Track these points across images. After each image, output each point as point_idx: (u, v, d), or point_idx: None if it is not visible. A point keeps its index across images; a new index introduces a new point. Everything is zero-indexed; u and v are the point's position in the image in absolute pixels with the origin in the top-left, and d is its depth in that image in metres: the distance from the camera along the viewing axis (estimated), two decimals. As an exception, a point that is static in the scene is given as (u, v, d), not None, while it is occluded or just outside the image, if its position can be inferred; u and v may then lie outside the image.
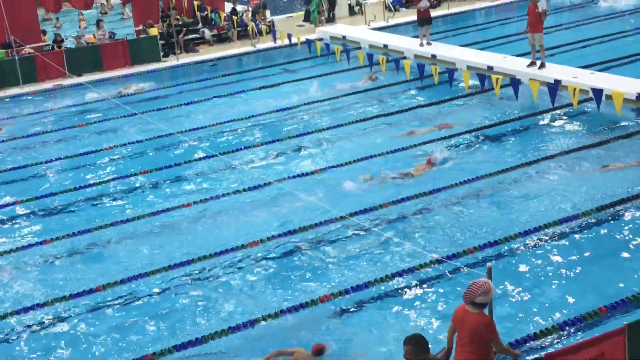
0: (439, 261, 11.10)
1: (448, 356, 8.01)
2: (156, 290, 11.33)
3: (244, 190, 14.63)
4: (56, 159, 17.53)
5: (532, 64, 20.30)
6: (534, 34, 19.82)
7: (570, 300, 10.13)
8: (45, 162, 17.36)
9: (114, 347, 10.03)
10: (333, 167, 15.53)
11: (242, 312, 10.53)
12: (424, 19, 23.88)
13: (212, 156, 16.28)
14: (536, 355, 8.56)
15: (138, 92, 22.86)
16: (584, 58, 21.67)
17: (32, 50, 24.80)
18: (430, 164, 15.01)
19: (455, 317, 7.81)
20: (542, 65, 20.02)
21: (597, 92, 16.79)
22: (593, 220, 12.30)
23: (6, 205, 14.99)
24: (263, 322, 10.19)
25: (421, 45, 23.91)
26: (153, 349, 9.82)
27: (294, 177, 15.10)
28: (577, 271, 10.82)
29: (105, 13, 36.28)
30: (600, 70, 20.10)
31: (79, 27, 32.95)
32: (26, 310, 11.01)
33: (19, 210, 14.76)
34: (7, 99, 23.18)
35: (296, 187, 14.38)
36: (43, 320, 10.78)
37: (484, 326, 7.59)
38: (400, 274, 11.05)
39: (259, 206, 13.98)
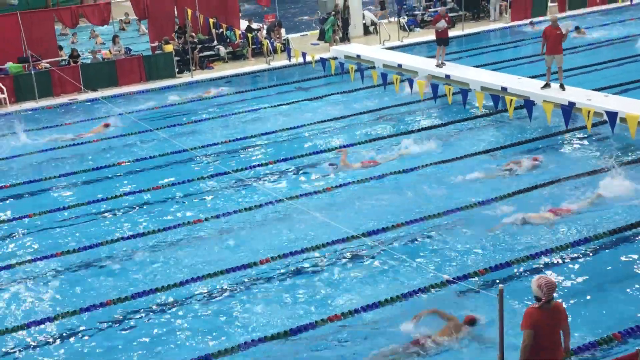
0: (449, 281, 11.04)
1: None
2: (167, 305, 11.33)
3: (256, 207, 14.64)
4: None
5: (547, 85, 20.26)
6: (555, 56, 19.80)
7: (584, 325, 10.05)
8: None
9: (123, 363, 10.05)
10: (345, 184, 15.52)
11: (252, 329, 10.51)
12: (442, 39, 23.94)
13: (225, 173, 16.30)
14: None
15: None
16: (599, 81, 21.62)
17: (48, 65, 25.01)
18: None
19: None
20: (562, 87, 20.04)
21: (612, 115, 16.74)
22: (607, 244, 12.23)
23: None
24: (271, 341, 10.16)
25: (438, 65, 23.94)
26: (162, 365, 9.83)
27: (306, 194, 15.10)
28: (591, 295, 10.75)
29: (124, 29, 36.55)
30: (615, 93, 20.06)
31: (96, 42, 33.21)
32: (35, 324, 11.05)
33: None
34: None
35: (308, 205, 14.38)
36: (53, 333, 10.81)
37: None
38: (410, 294, 11.01)
39: (270, 223, 13.99)
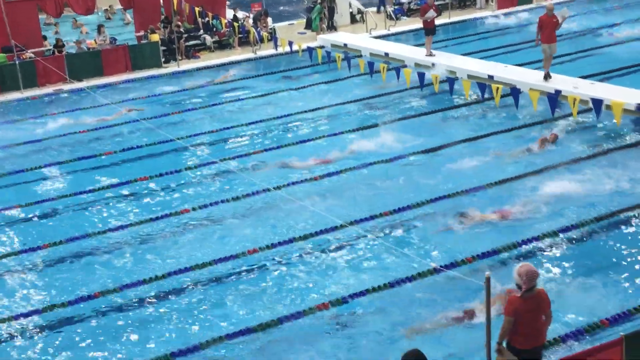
0: (436, 270, 11.07)
1: None
2: (155, 296, 11.32)
3: (243, 196, 14.62)
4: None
5: (548, 76, 19.91)
6: (551, 45, 19.48)
7: (572, 311, 10.11)
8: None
9: (107, 353, 10.03)
10: (332, 173, 15.52)
11: (240, 319, 10.53)
12: (430, 29, 23.79)
13: (213, 162, 16.27)
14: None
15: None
16: (585, 68, 21.69)
17: (33, 55, 24.83)
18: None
19: None
20: (549, 76, 19.95)
21: (597, 103, 16.80)
22: (593, 231, 12.31)
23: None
24: (260, 331, 10.18)
25: (428, 55, 23.80)
26: (149, 355, 9.81)
27: (293, 183, 15.10)
28: (579, 282, 10.80)
29: (109, 19, 36.31)
30: (600, 81, 20.14)
31: (81, 32, 32.98)
32: (23, 315, 11.03)
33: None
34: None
35: (295, 194, 14.39)
36: (41, 325, 10.78)
37: None
38: (397, 282, 11.04)
39: (258, 213, 13.99)
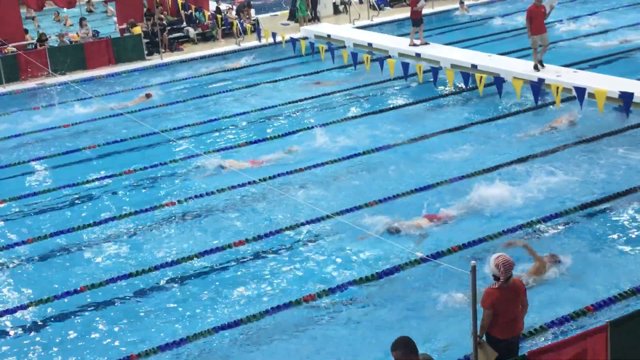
0: (423, 259, 11.11)
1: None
2: (142, 290, 11.30)
3: (229, 188, 14.61)
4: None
5: (541, 65, 19.76)
6: (542, 35, 19.35)
7: (557, 298, 10.17)
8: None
9: (96, 347, 10.02)
10: (317, 165, 15.52)
11: (230, 311, 10.54)
12: (418, 20, 23.68)
13: (198, 155, 16.22)
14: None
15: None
16: (569, 56, 21.79)
17: (14, 49, 24.64)
18: None
19: None
20: (542, 64, 19.78)
21: (580, 91, 16.88)
22: (578, 218, 12.39)
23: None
24: (251, 322, 10.20)
25: (411, 45, 23.73)
26: (137, 349, 9.81)
27: (278, 175, 15.08)
28: (563, 269, 10.85)
29: (91, 11, 36.08)
30: (584, 69, 20.23)
31: (65, 24, 32.76)
32: (8, 312, 10.99)
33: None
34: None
35: (280, 186, 14.41)
36: (27, 321, 10.76)
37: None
38: (385, 272, 11.08)
39: (244, 205, 13.98)
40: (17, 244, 13.08)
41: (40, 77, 24.21)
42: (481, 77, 18.61)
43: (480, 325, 8.01)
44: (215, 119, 19.36)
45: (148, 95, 21.57)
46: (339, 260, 11.72)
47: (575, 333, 8.63)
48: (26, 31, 27.22)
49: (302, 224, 12.91)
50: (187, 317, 10.51)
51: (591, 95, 17.02)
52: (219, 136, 18.19)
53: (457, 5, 30.40)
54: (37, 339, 10.34)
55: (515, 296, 8.07)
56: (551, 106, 17.82)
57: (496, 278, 7.98)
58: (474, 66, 20.94)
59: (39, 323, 10.67)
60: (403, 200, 13.59)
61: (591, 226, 12.13)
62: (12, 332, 10.51)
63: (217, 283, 11.34)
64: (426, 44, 23.74)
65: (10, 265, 12.43)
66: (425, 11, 28.77)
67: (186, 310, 10.70)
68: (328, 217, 12.73)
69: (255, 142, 17.41)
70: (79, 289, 11.41)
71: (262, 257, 11.96)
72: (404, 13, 30.38)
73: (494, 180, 13.94)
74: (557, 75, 19.07)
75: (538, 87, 17.73)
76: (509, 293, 8.01)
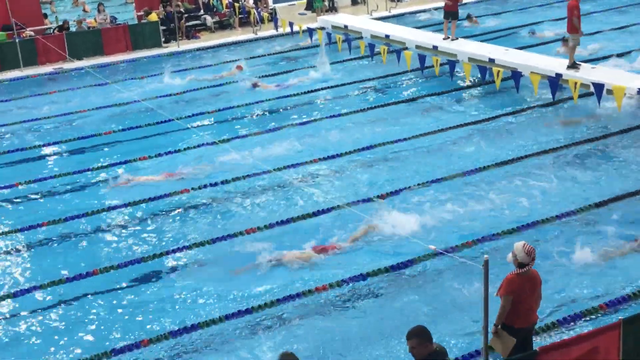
0: (436, 253, 11.07)
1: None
2: (153, 274, 11.36)
3: (243, 177, 14.60)
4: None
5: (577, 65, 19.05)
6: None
7: (570, 296, 10.15)
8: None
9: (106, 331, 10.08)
10: (335, 156, 15.49)
11: (240, 299, 10.56)
12: (450, 13, 22.65)
13: (213, 143, 16.23)
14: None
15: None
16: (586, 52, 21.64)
17: (33, 33, 24.73)
18: None
19: None
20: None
21: (598, 87, 16.76)
22: (591, 216, 12.31)
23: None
24: (262, 310, 10.22)
25: (445, 39, 22.99)
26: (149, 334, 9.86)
27: (292, 166, 15.06)
28: (577, 267, 10.81)
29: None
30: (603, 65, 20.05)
31: (83, 10, 32.86)
32: (23, 292, 11.07)
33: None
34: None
35: (294, 176, 14.40)
36: (40, 302, 10.83)
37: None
38: (397, 266, 11.06)
39: (258, 194, 13.98)
40: (31, 226, 13.14)
41: (58, 62, 24.29)
42: (498, 71, 18.50)
43: (499, 312, 8.06)
44: (228, 107, 19.38)
45: (239, 68, 22.61)
46: (350, 251, 11.68)
47: (587, 330, 8.61)
48: (45, 16, 27.31)
49: (313, 214, 12.90)
50: (196, 306, 10.52)
51: (609, 91, 16.88)
52: (229, 125, 18.19)
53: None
54: (47, 319, 10.42)
55: (533, 285, 8.11)
56: (569, 102, 17.71)
57: (521, 265, 7.99)
58: (492, 60, 20.81)
59: (50, 304, 10.74)
60: (413, 192, 13.54)
61: (606, 223, 12.04)
62: (25, 313, 10.58)
63: (228, 270, 11.35)
64: (456, 39, 22.98)
65: (26, 248, 12.50)
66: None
67: (197, 298, 10.71)
68: (339, 207, 12.71)
69: (267, 131, 17.39)
70: (91, 271, 11.49)
71: (276, 246, 11.92)
72: (422, 5, 30.34)
73: (510, 174, 13.90)
74: (574, 70, 18.91)
75: (556, 82, 17.61)
76: (528, 281, 8.05)
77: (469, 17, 27.54)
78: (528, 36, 24.34)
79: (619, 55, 20.87)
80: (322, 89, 20.43)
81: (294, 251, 11.61)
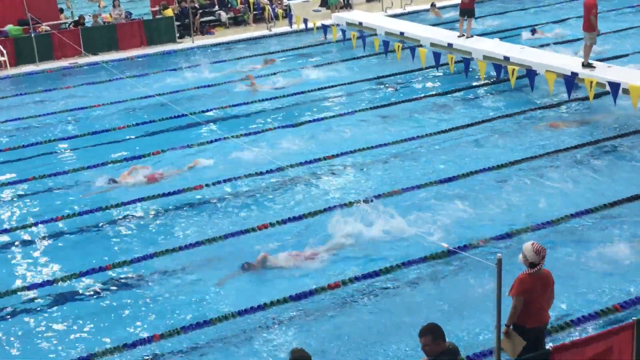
0: (450, 251, 11.04)
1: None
2: (168, 270, 11.38)
3: (257, 174, 14.62)
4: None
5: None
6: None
7: (584, 295, 10.09)
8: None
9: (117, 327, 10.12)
10: (346, 153, 15.47)
11: (254, 295, 10.58)
12: (466, 10, 22.43)
13: (225, 138, 16.25)
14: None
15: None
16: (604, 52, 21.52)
17: (48, 28, 24.83)
18: None
19: None
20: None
21: (614, 86, 16.65)
22: (607, 216, 12.23)
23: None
24: (276, 305, 10.22)
25: (460, 36, 22.84)
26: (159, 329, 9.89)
27: (307, 162, 15.05)
28: (590, 266, 10.76)
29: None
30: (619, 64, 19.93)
31: (99, 6, 32.99)
32: (36, 286, 11.12)
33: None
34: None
35: (308, 173, 14.39)
36: (54, 295, 10.88)
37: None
38: (410, 262, 11.04)
39: (269, 190, 13.99)
40: (45, 221, 13.20)
41: (73, 56, 24.40)
42: (513, 70, 18.43)
43: (510, 313, 8.02)
44: (243, 103, 19.41)
45: (272, 61, 23.20)
46: (363, 248, 11.66)
47: (601, 330, 8.57)
48: (61, 10, 27.42)
49: (324, 210, 12.88)
50: (209, 302, 10.55)
51: (625, 90, 16.77)
52: (245, 121, 18.21)
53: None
54: (60, 312, 10.48)
55: (544, 285, 8.07)
56: (584, 101, 17.62)
57: (532, 265, 7.96)
58: (507, 58, 20.72)
59: (64, 297, 10.81)
60: (426, 189, 13.52)
61: (621, 223, 11.97)
62: (39, 306, 10.64)
63: (241, 267, 11.36)
64: (471, 36, 22.84)
65: (41, 242, 12.57)
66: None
67: (210, 294, 10.74)
68: (350, 203, 12.69)
69: (281, 127, 17.40)
70: (104, 266, 11.54)
71: (292, 241, 11.93)
72: (436, 2, 30.21)
73: (523, 173, 13.85)
74: (591, 69, 18.80)
75: (572, 81, 17.52)
76: (540, 281, 8.01)
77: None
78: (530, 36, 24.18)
79: (634, 54, 20.76)
80: (336, 85, 20.40)
81: (306, 248, 11.60)
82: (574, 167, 14.11)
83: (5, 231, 12.97)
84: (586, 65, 18.69)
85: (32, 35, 24.00)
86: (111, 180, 14.63)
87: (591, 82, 16.86)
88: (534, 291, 7.98)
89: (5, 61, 23.56)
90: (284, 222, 12.62)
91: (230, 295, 10.63)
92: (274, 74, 21.91)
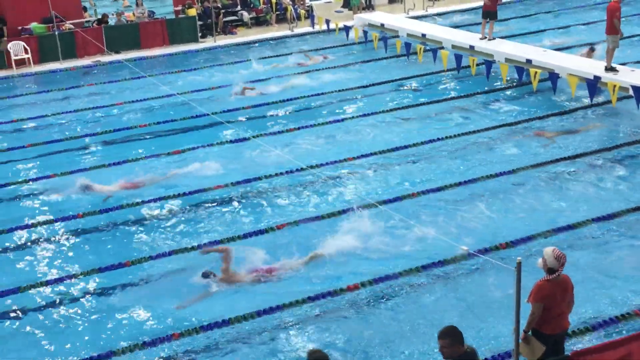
0: (469, 254, 11.01)
1: None
2: (181, 267, 11.43)
3: (276, 174, 14.65)
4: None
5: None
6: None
7: (604, 300, 10.04)
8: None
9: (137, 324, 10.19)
10: (367, 155, 15.47)
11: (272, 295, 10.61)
12: (489, 12, 22.39)
13: (246, 139, 16.29)
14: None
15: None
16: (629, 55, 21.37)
17: (72, 26, 25.03)
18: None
19: None
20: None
21: (638, 90, 16.52)
22: (629, 222, 12.14)
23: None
24: (294, 306, 10.25)
25: (482, 38, 22.79)
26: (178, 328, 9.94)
27: (328, 164, 15.06)
28: (612, 271, 10.70)
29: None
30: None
31: (123, 5, 33.23)
32: (58, 281, 11.21)
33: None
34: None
35: (326, 174, 14.40)
36: (77, 289, 10.97)
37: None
38: (428, 266, 11.03)
39: (288, 191, 14.02)
40: (69, 217, 13.30)
41: (96, 55, 24.58)
42: (535, 73, 18.34)
43: (529, 319, 7.99)
44: (264, 104, 19.43)
45: (324, 57, 23.40)
46: (382, 250, 11.65)
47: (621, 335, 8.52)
48: (85, 9, 27.61)
49: (343, 211, 12.88)
50: (230, 300, 10.60)
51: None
52: (265, 121, 18.24)
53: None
54: (83, 306, 10.58)
55: (564, 291, 8.02)
56: (607, 104, 17.51)
57: (551, 271, 7.91)
58: (529, 61, 20.63)
59: (86, 292, 10.89)
60: (445, 192, 13.48)
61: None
62: (61, 301, 10.74)
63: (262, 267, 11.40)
64: (493, 39, 22.74)
65: (65, 238, 12.66)
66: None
67: (231, 295, 10.78)
68: (371, 205, 12.69)
69: (301, 128, 17.42)
70: (123, 262, 11.63)
71: (303, 244, 11.94)
72: (459, 5, 30.19)
73: (543, 178, 13.79)
74: (613, 72, 18.67)
75: (594, 85, 17.41)
76: (559, 287, 7.97)
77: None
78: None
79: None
80: (357, 87, 20.40)
81: (324, 248, 11.62)
82: (596, 171, 14.02)
83: (27, 227, 13.08)
84: (609, 69, 18.57)
85: (56, 33, 24.20)
86: None
87: (614, 86, 16.75)
88: (553, 297, 7.93)
89: (29, 59, 23.77)
90: (301, 222, 12.64)
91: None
92: (296, 74, 21.93)
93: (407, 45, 22.46)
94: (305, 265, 11.25)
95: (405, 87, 20.35)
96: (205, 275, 10.97)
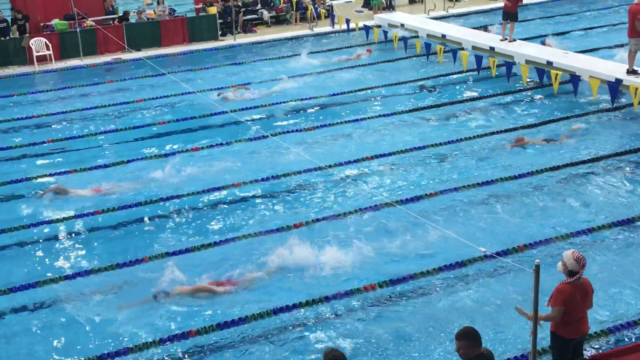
0: (487, 256, 10.96)
1: None
2: (189, 265, 11.46)
3: (294, 173, 14.65)
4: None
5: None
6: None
7: (623, 304, 9.96)
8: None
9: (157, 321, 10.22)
10: (385, 155, 15.44)
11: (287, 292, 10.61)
12: (509, 14, 22.22)
13: (265, 137, 16.31)
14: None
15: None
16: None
17: (93, 23, 25.19)
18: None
19: None
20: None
21: (659, 94, 16.41)
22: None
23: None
24: (312, 305, 10.24)
25: (502, 40, 22.66)
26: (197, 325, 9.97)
27: (345, 163, 15.05)
28: (631, 275, 10.61)
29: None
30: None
31: (144, 2, 33.39)
32: (82, 274, 11.29)
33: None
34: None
35: (344, 173, 14.40)
36: (96, 285, 11.03)
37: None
38: (446, 267, 10.99)
39: (303, 189, 14.02)
40: (87, 214, 13.37)
41: (117, 52, 24.72)
42: (556, 75, 18.23)
43: (545, 316, 7.94)
44: (282, 102, 19.46)
45: (369, 51, 23.63)
46: (398, 252, 11.62)
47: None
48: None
49: (360, 210, 12.88)
50: (248, 302, 10.62)
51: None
52: (283, 120, 18.25)
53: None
54: (103, 300, 10.63)
55: (584, 294, 7.97)
56: (628, 108, 17.37)
57: (571, 274, 7.86)
58: (549, 63, 20.51)
59: (103, 289, 10.94)
60: (463, 193, 13.44)
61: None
62: (81, 295, 10.81)
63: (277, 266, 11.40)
64: (514, 40, 22.60)
65: (83, 235, 12.74)
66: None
67: (243, 295, 10.80)
68: (388, 204, 12.67)
69: (320, 127, 17.42)
70: (141, 258, 11.68)
71: (325, 242, 11.94)
72: (480, 5, 30.08)
73: (563, 180, 13.71)
74: (635, 75, 18.52)
75: (616, 88, 17.28)
76: (580, 290, 7.91)
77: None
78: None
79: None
80: (376, 87, 20.37)
81: (341, 250, 11.62)
82: (615, 174, 13.90)
83: (47, 222, 13.17)
84: (631, 71, 18.42)
85: (77, 30, 24.36)
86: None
87: (636, 89, 16.62)
88: (574, 301, 7.87)
89: (50, 55, 23.93)
90: (318, 220, 12.64)
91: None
92: (315, 73, 21.93)
93: (427, 45, 22.39)
94: (321, 265, 11.23)
95: (425, 88, 20.29)
96: (155, 297, 10.65)
